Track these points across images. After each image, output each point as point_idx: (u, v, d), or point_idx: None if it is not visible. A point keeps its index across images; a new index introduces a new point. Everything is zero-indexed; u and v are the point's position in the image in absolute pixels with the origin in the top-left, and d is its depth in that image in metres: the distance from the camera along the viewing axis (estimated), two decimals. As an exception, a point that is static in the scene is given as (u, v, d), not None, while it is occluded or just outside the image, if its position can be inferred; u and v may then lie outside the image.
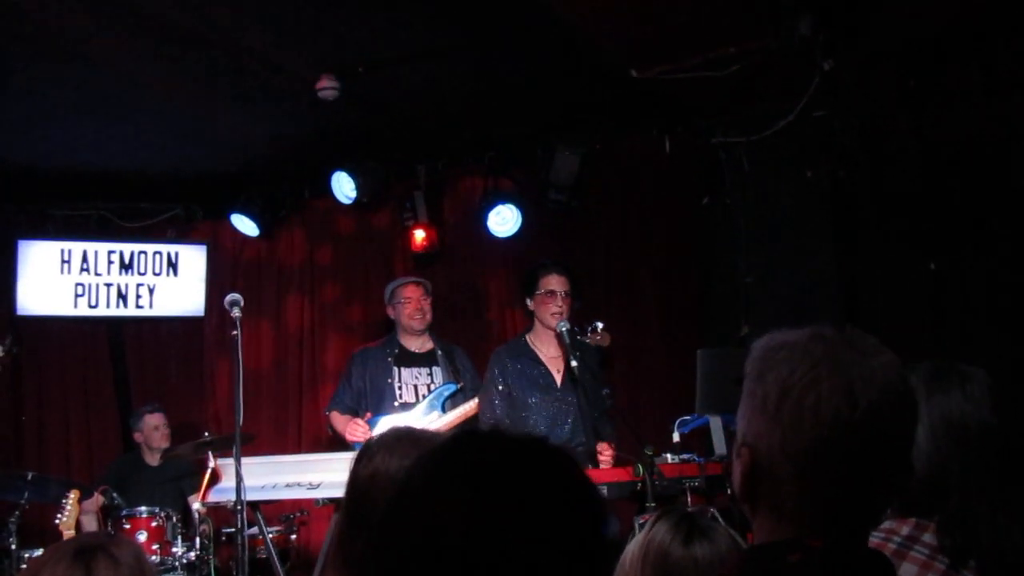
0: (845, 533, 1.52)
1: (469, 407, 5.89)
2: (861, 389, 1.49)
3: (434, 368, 6.24)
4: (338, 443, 6.20)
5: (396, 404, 6.09)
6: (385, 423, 5.82)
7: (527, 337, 5.71)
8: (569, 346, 5.29)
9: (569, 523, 1.27)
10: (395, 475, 2.16)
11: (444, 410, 6.00)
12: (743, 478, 1.57)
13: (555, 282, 5.49)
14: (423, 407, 6.03)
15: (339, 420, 6.16)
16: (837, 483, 1.50)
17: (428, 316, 6.29)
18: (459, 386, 6.10)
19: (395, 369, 6.20)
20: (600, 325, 5.41)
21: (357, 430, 5.88)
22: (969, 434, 2.12)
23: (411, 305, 6.25)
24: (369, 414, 6.00)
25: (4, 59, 5.46)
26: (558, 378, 5.57)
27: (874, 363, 1.52)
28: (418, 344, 6.31)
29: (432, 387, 6.16)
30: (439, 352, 6.30)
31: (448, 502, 1.26)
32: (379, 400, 6.10)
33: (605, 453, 5.29)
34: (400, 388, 6.15)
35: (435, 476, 1.31)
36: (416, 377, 6.20)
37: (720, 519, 3.65)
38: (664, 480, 4.78)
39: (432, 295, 6.38)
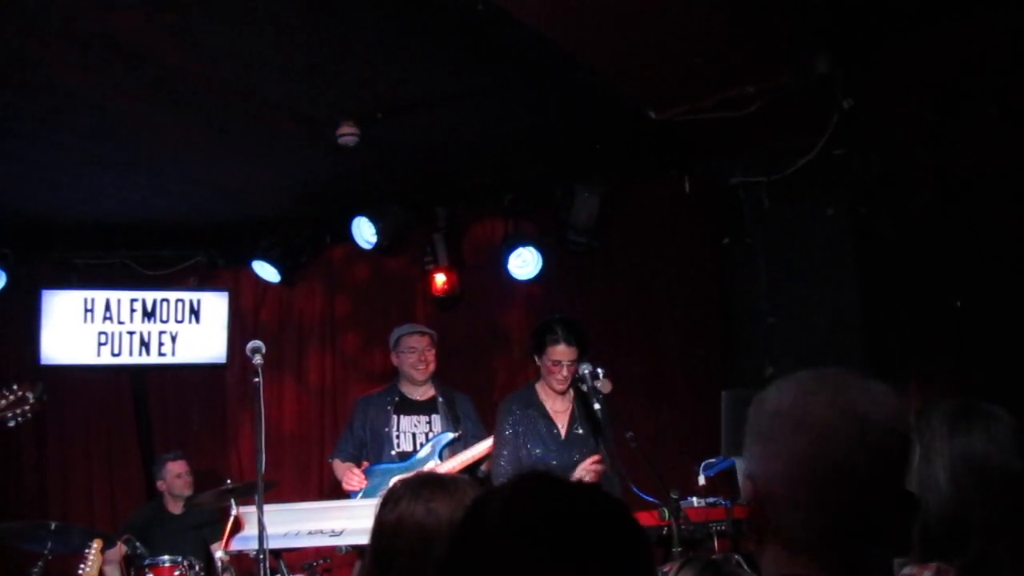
0: (852, 565, 1.49)
1: (468, 456, 5.86)
2: (849, 402, 1.50)
3: (433, 416, 6.20)
4: (342, 491, 6.15)
5: (394, 453, 6.06)
6: (381, 473, 5.80)
7: (536, 386, 5.62)
8: (592, 389, 5.21)
9: (617, 563, 1.31)
10: (421, 520, 2.16)
11: (442, 458, 5.95)
12: (749, 511, 1.58)
13: (560, 353, 5.37)
14: (420, 456, 5.98)
15: (339, 468, 6.14)
16: (830, 500, 1.48)
17: (431, 367, 6.24)
18: (457, 435, 6.05)
19: (394, 417, 6.17)
20: (601, 372, 5.31)
21: (353, 479, 5.87)
22: (992, 476, 2.08)
23: (415, 355, 6.20)
24: (366, 463, 5.98)
25: (26, 112, 5.52)
26: (563, 431, 5.49)
27: (865, 384, 1.53)
28: (420, 392, 6.27)
29: (430, 435, 6.11)
30: (440, 399, 6.25)
31: (504, 547, 1.29)
32: (379, 448, 6.08)
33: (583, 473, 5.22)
34: (398, 436, 6.12)
35: (508, 523, 1.33)
36: (415, 425, 6.16)
37: (745, 565, 3.60)
38: (690, 525, 4.72)
39: (437, 345, 6.32)
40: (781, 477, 1.51)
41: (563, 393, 5.47)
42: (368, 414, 6.22)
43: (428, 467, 5.85)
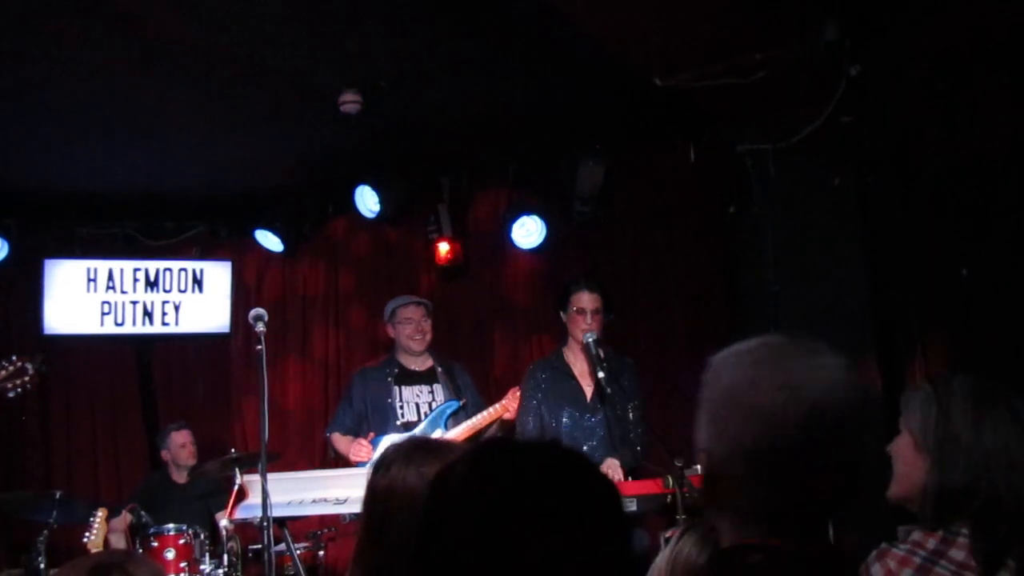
0: (802, 531, 1.54)
1: (472, 423, 5.89)
2: (802, 385, 1.53)
3: (435, 385, 6.21)
4: (341, 464, 6.15)
5: (398, 423, 6.06)
6: (388, 442, 5.81)
7: (563, 350, 5.70)
8: (596, 357, 5.26)
9: (585, 523, 1.31)
10: (412, 486, 2.16)
11: (447, 427, 5.97)
12: (704, 483, 1.63)
13: (586, 300, 5.49)
14: (425, 425, 5.99)
15: (341, 441, 6.15)
16: (785, 479, 1.53)
17: (428, 337, 6.25)
18: (461, 403, 6.07)
19: (395, 388, 6.17)
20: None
21: (361, 450, 5.87)
22: (1014, 453, 2.07)
23: (411, 326, 6.21)
24: (372, 434, 5.98)
25: (29, 82, 5.49)
26: (588, 392, 5.55)
27: (818, 362, 1.56)
28: (418, 362, 6.27)
29: (433, 405, 6.12)
30: (439, 369, 6.26)
31: (467, 514, 1.29)
32: (382, 420, 6.08)
33: (610, 470, 5.22)
34: (402, 407, 6.12)
35: (456, 489, 1.34)
36: (417, 395, 6.17)
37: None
38: (694, 492, 4.73)
39: (433, 315, 6.33)
40: (733, 456, 1.55)
41: (583, 347, 5.46)
42: (368, 387, 6.22)
43: (433, 436, 5.84)
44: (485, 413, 5.89)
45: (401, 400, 6.15)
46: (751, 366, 1.59)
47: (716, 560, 1.62)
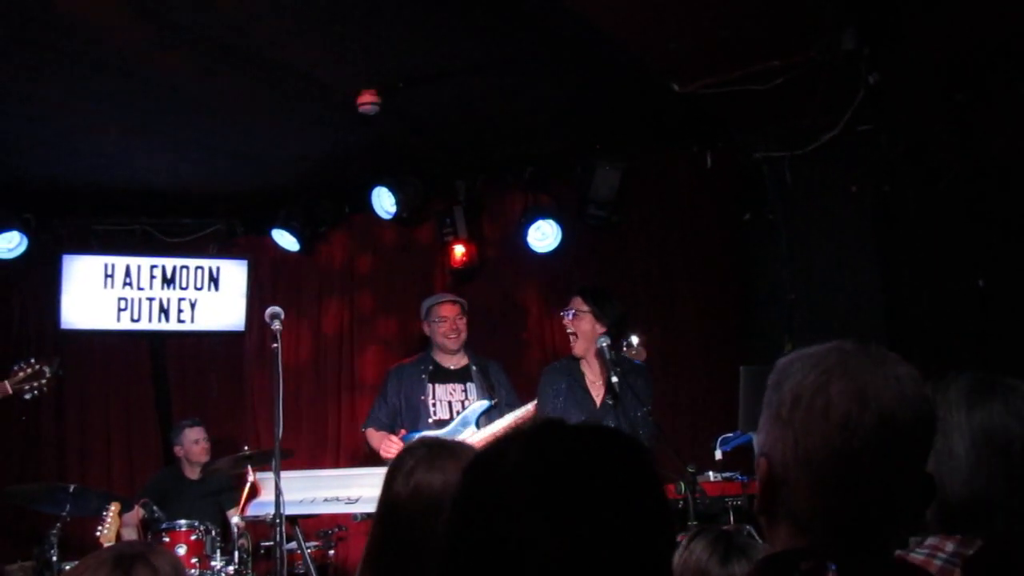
0: (860, 543, 1.51)
1: (504, 423, 5.87)
2: (873, 394, 1.49)
3: (468, 384, 6.23)
4: (375, 459, 6.17)
5: (431, 421, 6.08)
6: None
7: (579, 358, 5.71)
8: (610, 362, 5.25)
9: (642, 504, 1.30)
10: (437, 489, 2.12)
11: (479, 426, 5.98)
12: (761, 488, 1.58)
13: (570, 303, 5.54)
14: (457, 423, 6.00)
15: (374, 436, 6.16)
16: (848, 488, 1.50)
17: (463, 335, 6.27)
18: (493, 402, 6.07)
19: (429, 386, 6.19)
20: (635, 339, 5.37)
21: (391, 447, 5.88)
22: (1012, 449, 2.05)
23: (446, 324, 6.24)
24: (403, 431, 5.99)
25: (49, 75, 5.52)
26: (597, 399, 5.55)
27: (888, 371, 1.52)
28: (453, 361, 6.30)
29: (466, 403, 6.14)
30: (474, 368, 6.28)
31: (523, 496, 1.27)
32: (415, 417, 6.10)
33: None
34: (434, 405, 6.14)
35: (526, 466, 1.31)
36: (451, 393, 6.19)
37: (757, 536, 3.60)
38: (706, 498, 4.73)
39: (468, 314, 6.35)
40: (798, 463, 1.52)
41: (597, 351, 5.46)
42: (402, 383, 6.25)
43: (464, 434, 5.87)
44: (514, 415, 5.87)
45: (434, 398, 6.18)
46: (820, 372, 1.54)
47: (766, 564, 1.58)
